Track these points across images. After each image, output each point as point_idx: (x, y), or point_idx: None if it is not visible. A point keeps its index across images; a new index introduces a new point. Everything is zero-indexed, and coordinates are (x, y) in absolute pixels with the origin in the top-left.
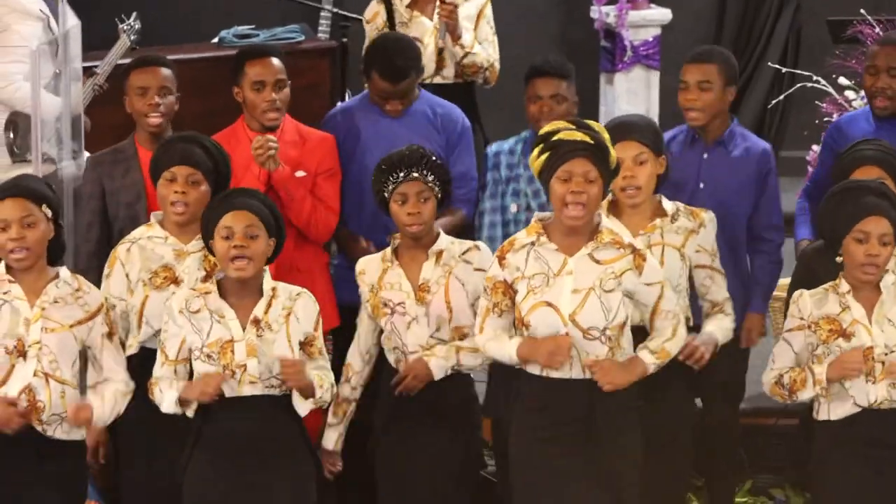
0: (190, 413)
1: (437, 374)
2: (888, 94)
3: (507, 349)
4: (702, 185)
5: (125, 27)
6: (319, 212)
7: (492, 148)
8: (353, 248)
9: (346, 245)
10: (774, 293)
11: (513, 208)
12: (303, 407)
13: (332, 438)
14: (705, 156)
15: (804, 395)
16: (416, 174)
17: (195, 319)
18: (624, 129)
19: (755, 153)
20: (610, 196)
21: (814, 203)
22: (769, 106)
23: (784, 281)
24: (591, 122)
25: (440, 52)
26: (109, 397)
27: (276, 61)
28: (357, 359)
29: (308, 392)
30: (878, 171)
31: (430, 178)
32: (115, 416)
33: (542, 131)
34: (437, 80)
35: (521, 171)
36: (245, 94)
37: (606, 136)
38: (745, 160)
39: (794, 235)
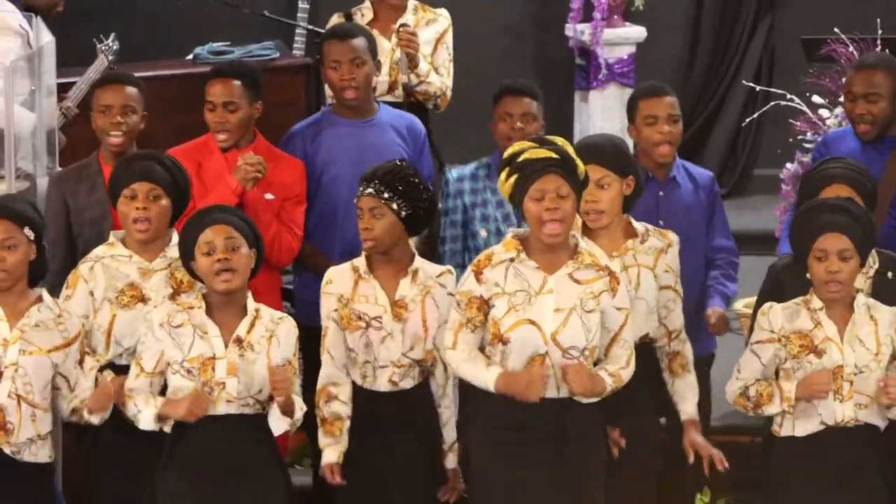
0: (167, 428)
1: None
2: (867, 119)
3: (483, 378)
4: (661, 223)
5: (103, 47)
6: (283, 236)
7: (452, 174)
8: (321, 265)
9: (313, 262)
10: (743, 310)
11: (482, 234)
12: (279, 425)
13: (334, 453)
14: (661, 193)
15: (770, 409)
16: (370, 190)
17: (176, 333)
18: (586, 152)
19: (703, 182)
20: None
21: None
22: (743, 124)
23: (752, 300)
24: (554, 138)
25: (393, 75)
26: (84, 389)
27: (233, 83)
28: (338, 372)
29: (290, 409)
30: (846, 189)
31: (388, 194)
32: (71, 413)
33: (506, 154)
34: (389, 98)
35: (488, 195)
36: (204, 112)
37: (571, 149)
38: (695, 191)
39: (777, 251)
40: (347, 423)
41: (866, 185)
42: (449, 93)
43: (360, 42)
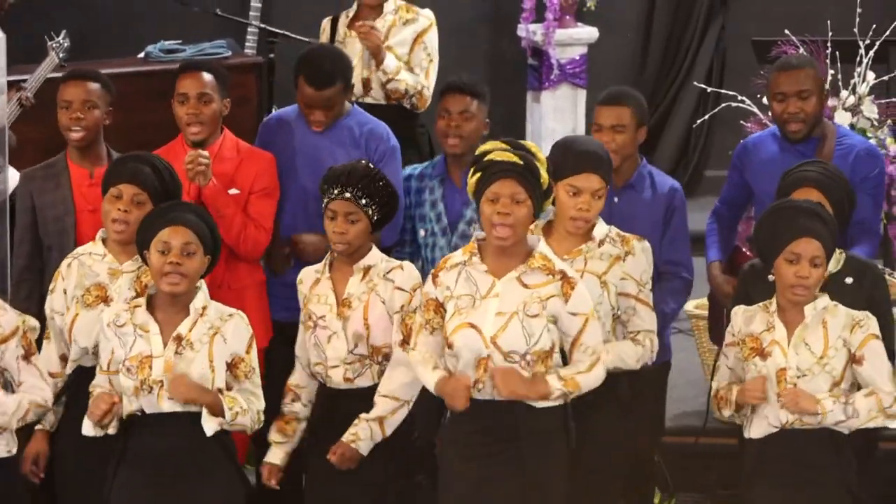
0: (112, 431)
1: (366, 451)
2: (800, 117)
3: (427, 380)
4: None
5: (54, 44)
6: (250, 229)
7: (404, 172)
8: (273, 258)
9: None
10: (697, 312)
11: (421, 233)
12: (208, 425)
13: (277, 455)
14: (615, 199)
15: (725, 413)
16: (348, 194)
17: (121, 332)
18: (594, 160)
19: (663, 193)
20: (549, 216)
21: (722, 223)
22: (694, 125)
23: (702, 301)
24: (528, 143)
25: (366, 76)
26: (14, 399)
27: (205, 76)
28: (301, 374)
29: (216, 410)
30: (816, 192)
31: (365, 200)
32: (19, 421)
33: (477, 151)
34: (368, 100)
35: (425, 195)
36: (173, 107)
37: (541, 157)
38: (653, 202)
39: (705, 256)
40: (303, 426)
41: (831, 183)
42: (427, 92)
43: (334, 91)
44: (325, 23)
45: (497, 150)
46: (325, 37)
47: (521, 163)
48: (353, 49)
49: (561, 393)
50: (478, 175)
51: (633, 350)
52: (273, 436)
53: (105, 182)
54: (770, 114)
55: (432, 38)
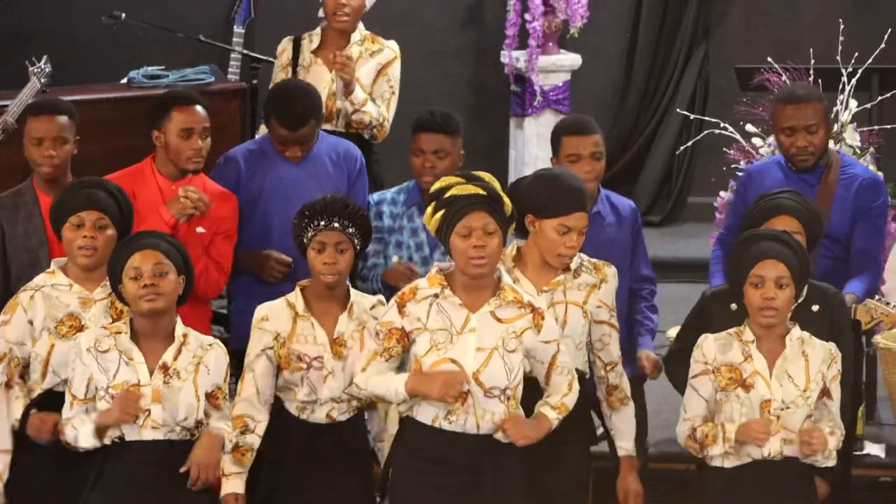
0: (108, 440)
1: None
2: (809, 150)
3: (393, 383)
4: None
5: (36, 70)
6: (210, 271)
7: (373, 197)
8: (262, 264)
9: (254, 264)
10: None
11: (394, 259)
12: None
13: (237, 485)
14: None
15: (714, 450)
16: (336, 224)
17: (102, 359)
18: (583, 199)
19: (626, 215)
20: (515, 245)
21: (727, 250)
22: (677, 152)
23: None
24: (481, 174)
25: (330, 105)
26: None
27: (202, 109)
28: (260, 409)
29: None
30: (794, 221)
31: (351, 229)
32: None
33: (433, 188)
34: (328, 127)
35: (403, 222)
36: (169, 139)
37: (497, 185)
38: (620, 226)
39: (709, 283)
40: (253, 454)
41: (810, 216)
42: (387, 124)
43: (308, 129)
44: (286, 42)
45: (456, 185)
46: (285, 57)
47: (486, 193)
48: (319, 76)
49: (558, 421)
50: (442, 212)
51: (628, 414)
52: (230, 467)
53: (60, 212)
54: (775, 142)
55: (395, 71)
